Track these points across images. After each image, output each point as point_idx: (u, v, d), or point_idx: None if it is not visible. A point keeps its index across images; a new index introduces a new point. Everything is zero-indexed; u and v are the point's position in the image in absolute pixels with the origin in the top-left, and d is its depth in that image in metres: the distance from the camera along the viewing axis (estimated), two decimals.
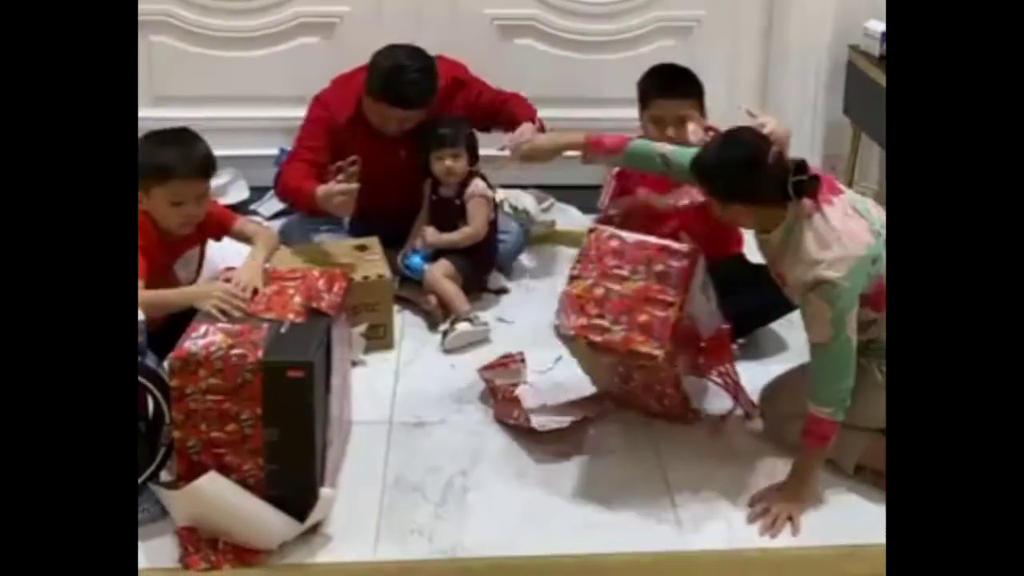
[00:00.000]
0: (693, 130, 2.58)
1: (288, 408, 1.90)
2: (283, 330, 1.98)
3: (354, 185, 2.59)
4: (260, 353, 1.89)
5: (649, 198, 2.57)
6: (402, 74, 2.79)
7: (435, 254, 2.86)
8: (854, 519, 2.06)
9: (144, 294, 2.13)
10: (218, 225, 2.50)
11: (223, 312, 2.04)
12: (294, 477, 1.94)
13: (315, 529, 1.99)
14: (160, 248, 2.34)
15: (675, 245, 2.17)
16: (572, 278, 2.19)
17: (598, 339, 2.11)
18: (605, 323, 2.11)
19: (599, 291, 2.13)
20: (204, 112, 3.39)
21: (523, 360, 2.54)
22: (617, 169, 2.78)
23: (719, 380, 2.30)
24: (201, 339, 1.92)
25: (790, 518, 2.03)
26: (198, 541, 1.91)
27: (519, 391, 2.44)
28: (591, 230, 2.25)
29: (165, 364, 2.05)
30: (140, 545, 1.93)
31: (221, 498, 1.90)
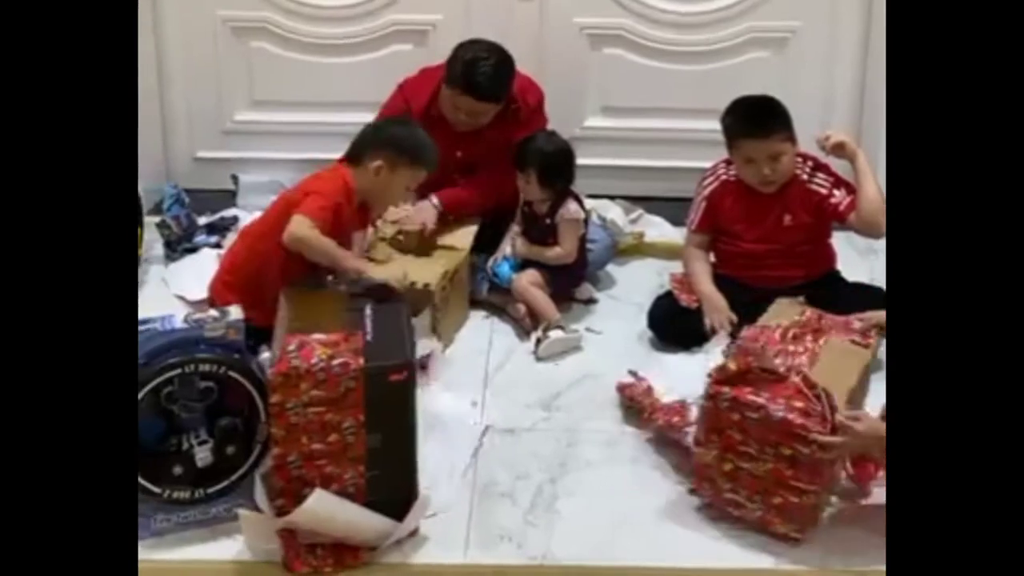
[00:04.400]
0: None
1: (390, 412, 1.92)
2: (369, 338, 1.99)
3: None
4: (361, 360, 1.90)
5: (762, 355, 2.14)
6: (478, 65, 2.85)
7: (524, 262, 2.89)
8: None
9: (326, 240, 2.35)
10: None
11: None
12: (394, 481, 1.97)
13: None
14: (348, 218, 2.48)
15: (801, 426, 1.92)
16: (696, 442, 2.08)
17: (736, 513, 2.04)
18: (740, 499, 2.02)
19: (727, 466, 2.01)
20: (301, 116, 3.49)
21: (649, 385, 2.42)
22: (708, 190, 2.78)
23: None
24: (299, 351, 1.90)
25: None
26: (298, 547, 1.93)
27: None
28: (710, 395, 2.02)
29: (263, 356, 2.11)
30: (228, 541, 2.00)
31: (328, 515, 1.91)
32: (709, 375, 2.05)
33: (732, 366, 2.01)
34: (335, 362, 1.89)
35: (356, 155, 2.54)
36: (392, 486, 1.97)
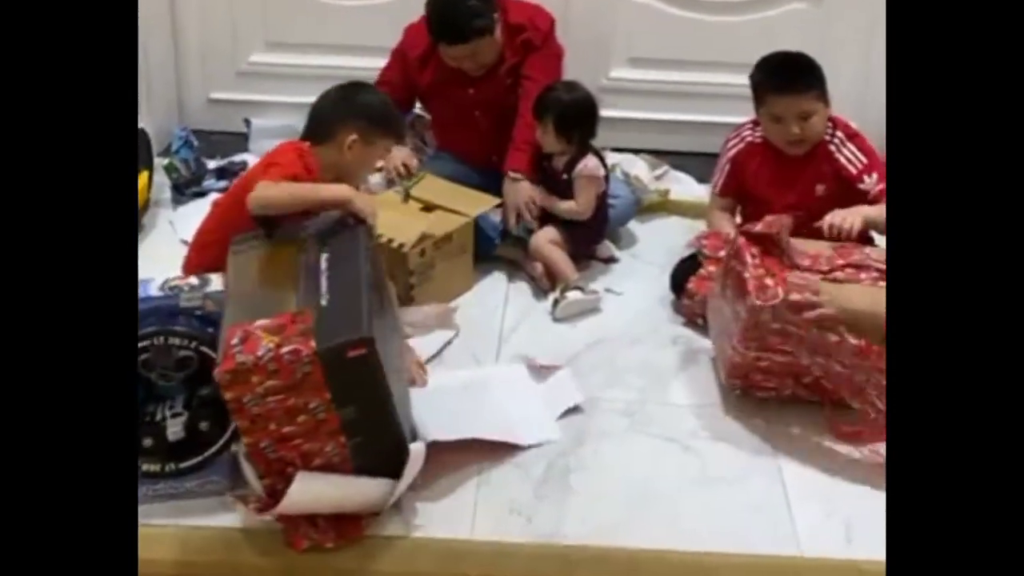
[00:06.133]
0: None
1: (357, 385, 1.79)
2: (324, 302, 1.84)
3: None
4: (313, 343, 1.75)
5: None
6: (451, 10, 2.76)
7: (542, 218, 2.79)
8: None
9: (291, 184, 2.14)
10: None
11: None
12: (380, 444, 1.86)
13: (413, 500, 1.94)
14: None
15: (747, 291, 2.12)
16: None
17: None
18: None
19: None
20: (316, 59, 3.38)
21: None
22: (732, 152, 2.66)
23: None
24: (243, 344, 1.75)
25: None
26: (297, 521, 1.86)
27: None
28: (733, 240, 2.24)
29: None
30: (210, 517, 1.93)
31: (316, 496, 1.84)
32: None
33: (759, 227, 2.20)
34: (284, 350, 1.73)
35: (323, 131, 2.31)
36: (378, 449, 1.86)
